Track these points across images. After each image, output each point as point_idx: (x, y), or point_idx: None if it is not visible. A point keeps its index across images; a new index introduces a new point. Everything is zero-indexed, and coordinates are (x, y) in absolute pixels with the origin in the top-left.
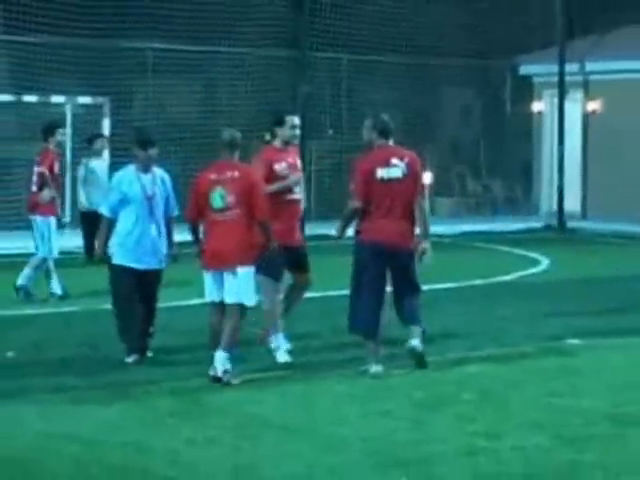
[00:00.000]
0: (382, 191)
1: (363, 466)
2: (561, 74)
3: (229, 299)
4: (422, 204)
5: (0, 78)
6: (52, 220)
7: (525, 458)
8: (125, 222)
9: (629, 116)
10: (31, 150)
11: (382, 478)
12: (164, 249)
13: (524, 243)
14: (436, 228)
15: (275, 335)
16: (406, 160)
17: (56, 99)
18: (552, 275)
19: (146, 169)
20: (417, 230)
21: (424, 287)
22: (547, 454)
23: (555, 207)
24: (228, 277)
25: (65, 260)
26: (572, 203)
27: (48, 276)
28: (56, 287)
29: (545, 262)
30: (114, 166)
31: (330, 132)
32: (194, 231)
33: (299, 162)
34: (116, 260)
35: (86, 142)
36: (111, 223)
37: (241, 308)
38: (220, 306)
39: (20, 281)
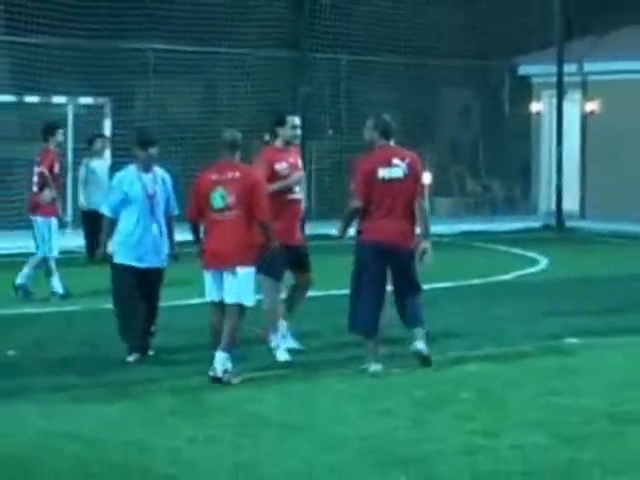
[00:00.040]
0: (383, 191)
1: (363, 464)
2: (559, 75)
3: (228, 299)
4: (423, 204)
5: (2, 79)
6: (53, 221)
7: (524, 456)
8: (127, 221)
9: (627, 116)
10: (32, 150)
11: (381, 476)
12: (165, 248)
13: (523, 243)
14: (435, 228)
15: (275, 334)
16: (407, 160)
17: (57, 100)
18: (551, 274)
19: (147, 169)
20: (417, 230)
21: (423, 286)
22: (546, 452)
23: (554, 207)
24: (228, 277)
25: (66, 260)
26: (571, 203)
27: (49, 275)
28: (57, 286)
29: (544, 262)
30: (116, 166)
31: (330, 132)
32: (195, 231)
33: (300, 162)
34: (117, 259)
35: (86, 143)
36: (113, 223)
37: (240, 308)
38: (220, 306)
39: (19, 280)
